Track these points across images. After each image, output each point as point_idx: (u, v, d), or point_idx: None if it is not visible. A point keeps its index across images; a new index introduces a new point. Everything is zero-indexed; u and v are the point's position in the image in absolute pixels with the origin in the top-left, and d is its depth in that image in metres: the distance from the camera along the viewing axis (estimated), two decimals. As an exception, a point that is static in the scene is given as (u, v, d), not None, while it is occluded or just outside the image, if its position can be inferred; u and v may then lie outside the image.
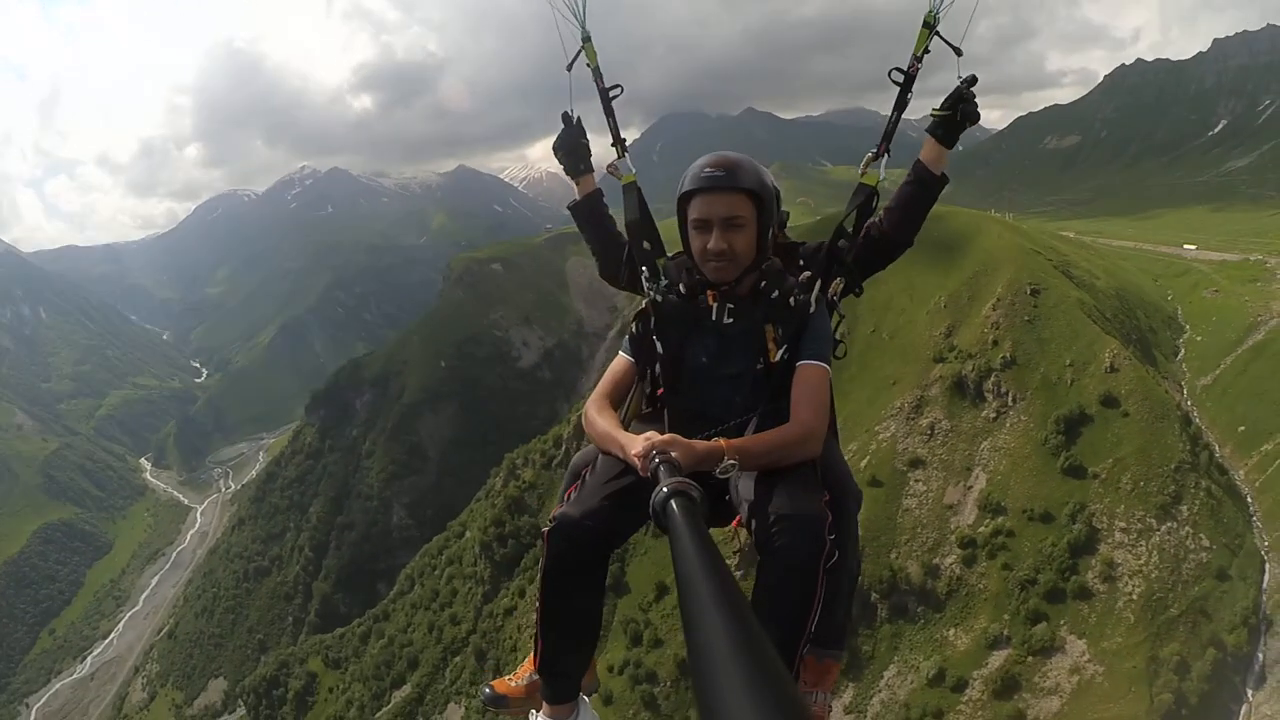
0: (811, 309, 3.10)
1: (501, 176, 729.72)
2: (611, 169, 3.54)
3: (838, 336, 3.38)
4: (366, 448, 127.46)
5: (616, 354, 3.38)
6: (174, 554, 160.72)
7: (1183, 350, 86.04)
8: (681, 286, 3.15)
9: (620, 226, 3.60)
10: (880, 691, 50.63)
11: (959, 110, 3.31)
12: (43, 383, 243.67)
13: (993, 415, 62.05)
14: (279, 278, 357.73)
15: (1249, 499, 60.88)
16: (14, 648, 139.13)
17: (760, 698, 0.77)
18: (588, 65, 3.54)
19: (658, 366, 3.25)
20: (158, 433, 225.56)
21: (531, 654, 3.16)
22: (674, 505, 1.82)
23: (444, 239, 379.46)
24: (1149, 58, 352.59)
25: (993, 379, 63.00)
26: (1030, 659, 47.65)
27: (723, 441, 2.69)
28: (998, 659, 48.29)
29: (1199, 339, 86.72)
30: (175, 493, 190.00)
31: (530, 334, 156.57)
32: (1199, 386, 78.83)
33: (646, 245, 3.37)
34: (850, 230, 3.35)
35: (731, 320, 3.08)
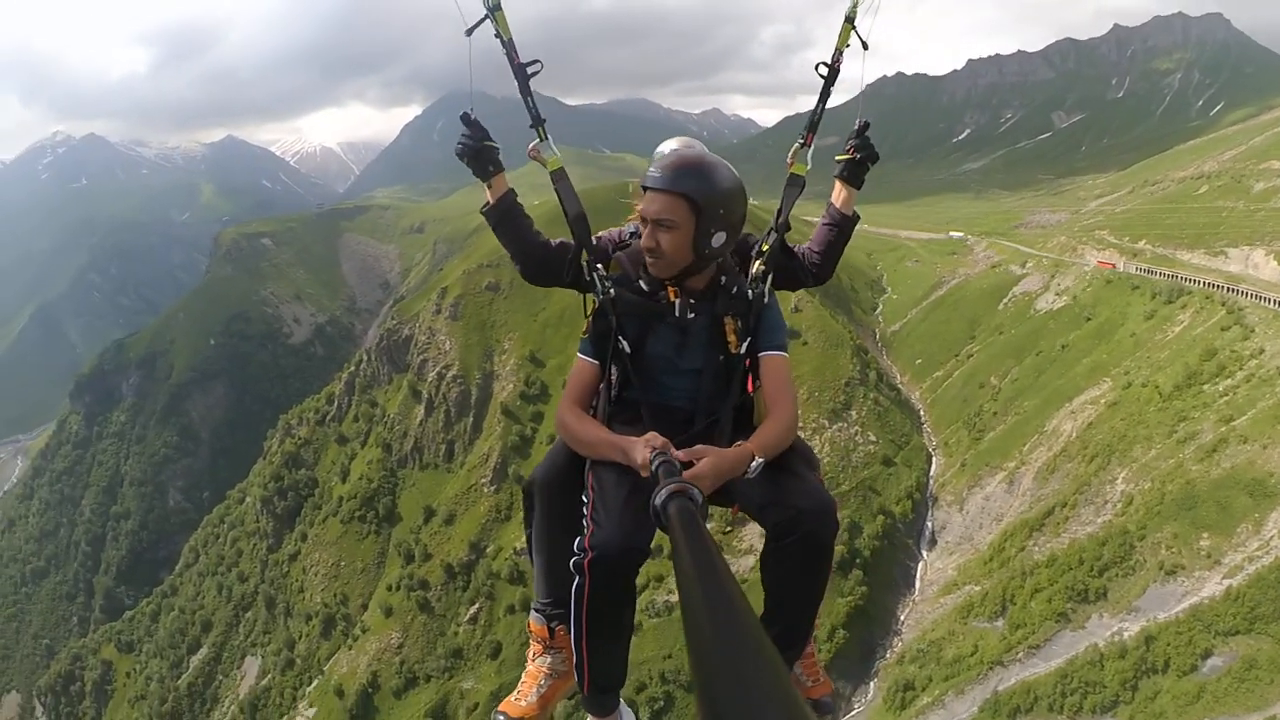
0: (766, 300, 3.16)
1: (273, 149, 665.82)
2: (534, 154, 3.24)
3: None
4: (136, 432, 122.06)
5: (575, 358, 3.19)
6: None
7: (881, 306, 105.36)
8: (642, 283, 3.08)
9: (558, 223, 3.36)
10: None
11: (859, 152, 3.47)
12: None
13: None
14: (29, 259, 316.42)
15: (922, 413, 78.57)
16: None
17: (761, 698, 0.79)
18: (496, 37, 3.14)
19: (615, 365, 3.17)
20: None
21: (530, 668, 3.30)
22: (674, 506, 1.85)
23: (209, 215, 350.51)
24: (909, 72, 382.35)
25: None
26: (728, 530, 58.93)
27: (750, 445, 2.73)
28: (702, 532, 59.84)
29: (895, 297, 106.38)
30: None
31: (302, 310, 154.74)
32: (889, 332, 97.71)
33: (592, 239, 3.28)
34: (788, 223, 3.47)
35: (694, 315, 3.05)
